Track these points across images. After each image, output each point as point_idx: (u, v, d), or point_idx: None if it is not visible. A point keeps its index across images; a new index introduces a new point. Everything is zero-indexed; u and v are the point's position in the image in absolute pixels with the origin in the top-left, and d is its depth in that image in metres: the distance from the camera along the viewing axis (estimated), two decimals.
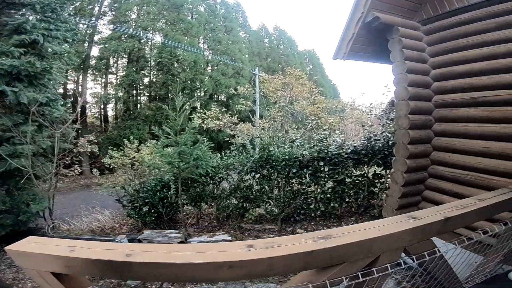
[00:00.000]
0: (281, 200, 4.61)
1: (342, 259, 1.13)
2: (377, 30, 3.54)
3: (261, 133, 6.54)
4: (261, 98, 10.43)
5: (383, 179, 4.76)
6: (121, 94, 16.72)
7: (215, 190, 4.77)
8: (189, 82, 16.60)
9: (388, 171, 4.57)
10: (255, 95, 13.35)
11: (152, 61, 17.34)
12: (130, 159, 5.79)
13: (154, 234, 4.25)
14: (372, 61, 4.39)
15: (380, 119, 5.26)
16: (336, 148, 4.36)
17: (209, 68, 19.11)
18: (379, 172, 4.79)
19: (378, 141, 4.42)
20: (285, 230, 4.70)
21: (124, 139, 6.51)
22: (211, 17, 19.27)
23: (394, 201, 3.57)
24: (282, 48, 25.31)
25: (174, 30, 16.97)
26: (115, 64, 17.59)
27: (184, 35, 16.90)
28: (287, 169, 4.38)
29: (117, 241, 3.93)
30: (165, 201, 4.62)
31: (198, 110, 7.97)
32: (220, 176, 4.51)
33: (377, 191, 4.92)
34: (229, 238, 4.20)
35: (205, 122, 7.33)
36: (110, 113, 19.18)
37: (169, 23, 17.43)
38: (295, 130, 6.86)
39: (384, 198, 4.53)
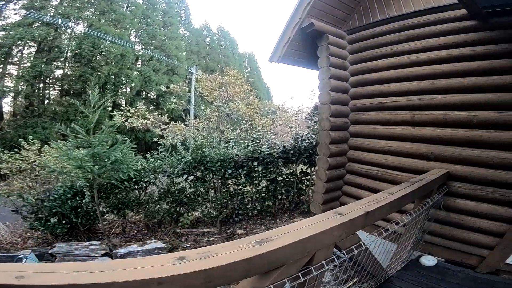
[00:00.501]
0: (218, 202, 4.50)
1: (282, 262, 1.12)
2: (310, 36, 3.77)
3: (194, 134, 6.28)
4: (196, 97, 10.09)
5: (309, 176, 5.16)
6: (23, 87, 13.75)
7: (142, 195, 4.33)
8: (112, 76, 14.85)
9: (312, 168, 4.97)
10: (190, 94, 12.85)
11: (69, 52, 14.85)
12: (28, 163, 4.74)
13: (70, 247, 3.59)
14: (304, 66, 4.60)
15: (306, 121, 5.68)
16: (268, 148, 4.50)
17: (139, 63, 17.51)
18: (305, 170, 5.17)
19: (304, 141, 4.76)
20: (225, 232, 4.62)
21: (21, 140, 5.31)
22: (149, 10, 17.75)
23: (320, 196, 3.87)
24: (224, 49, 25.16)
25: (102, 21, 14.96)
26: (19, 54, 14.41)
27: (113, 26, 15.07)
28: (222, 170, 4.30)
29: (20, 257, 3.16)
30: (79, 210, 3.93)
31: (123, 108, 7.09)
32: (146, 180, 4.10)
33: (304, 188, 5.30)
34: (164, 245, 3.85)
35: (129, 121, 6.61)
36: (8, 109, 15.59)
37: (98, 13, 15.28)
38: (231, 130, 6.87)
39: (311, 194, 4.90)
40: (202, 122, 6.91)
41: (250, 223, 4.95)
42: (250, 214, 4.83)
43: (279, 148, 4.64)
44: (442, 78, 2.86)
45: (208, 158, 4.10)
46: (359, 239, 1.77)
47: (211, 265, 0.90)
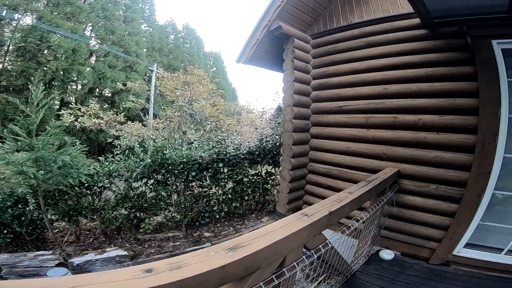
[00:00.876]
0: (182, 205, 4.32)
1: (256, 266, 1.11)
2: (278, 39, 3.82)
3: (154, 134, 5.95)
4: (156, 96, 9.60)
5: (274, 176, 5.23)
6: None
7: (96, 201, 3.96)
8: (61, 72, 13.44)
9: (277, 169, 5.05)
10: (149, 93, 12.19)
11: (11, 45, 13.04)
12: None
13: (17, 258, 3.17)
14: (270, 68, 4.68)
15: (270, 122, 5.75)
16: (233, 149, 4.45)
17: (93, 58, 16.10)
18: (270, 170, 5.23)
19: (268, 142, 4.81)
20: (191, 236, 4.45)
21: None
22: (109, 4, 16.33)
23: (285, 196, 3.95)
24: (188, 47, 24.30)
25: (55, 13, 13.38)
26: None
27: (67, 19, 13.58)
28: (185, 172, 4.12)
29: None
30: (23, 218, 3.46)
31: (73, 106, 6.43)
32: (100, 185, 3.76)
33: (269, 188, 5.37)
34: (125, 252, 3.58)
35: (80, 121, 6.02)
36: None
37: (51, 5, 13.63)
38: (194, 131, 6.66)
39: (276, 194, 4.97)
40: (163, 122, 6.57)
41: (218, 225, 4.86)
42: (217, 216, 4.74)
43: (245, 149, 4.62)
44: (393, 84, 3.09)
45: (169, 161, 3.90)
46: (325, 238, 1.84)
47: (184, 276, 0.84)
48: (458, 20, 2.58)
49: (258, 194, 5.20)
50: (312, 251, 1.59)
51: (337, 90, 3.65)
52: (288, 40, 3.80)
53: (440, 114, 2.74)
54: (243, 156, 4.48)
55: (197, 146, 4.61)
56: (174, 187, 4.36)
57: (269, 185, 5.36)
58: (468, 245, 2.73)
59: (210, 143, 4.71)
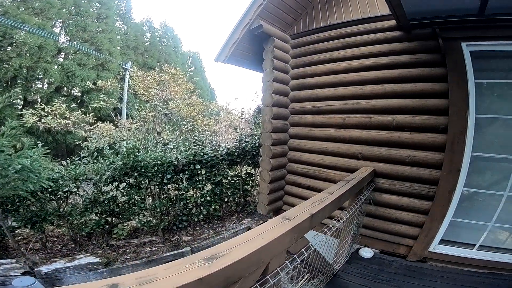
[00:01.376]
0: (158, 209, 4.11)
1: (238, 276, 1.03)
2: (258, 38, 3.77)
3: (126, 135, 5.63)
4: (130, 95, 9.17)
5: (253, 177, 5.16)
6: None
7: (62, 207, 3.66)
8: (25, 70, 12.48)
9: (256, 169, 4.99)
10: (122, 92, 11.64)
11: None
12: None
13: None
14: (249, 68, 4.63)
15: (249, 123, 5.68)
16: (211, 150, 4.31)
17: (62, 56, 15.10)
18: (249, 171, 5.16)
19: (247, 143, 4.74)
20: (169, 240, 4.26)
21: None
22: (83, 1, 15.35)
23: (265, 197, 3.89)
24: (165, 46, 23.56)
25: (22, 9, 12.35)
26: None
27: (35, 15, 12.59)
28: (160, 175, 3.93)
29: None
30: None
31: (38, 106, 5.93)
32: (66, 190, 3.47)
33: (250, 189, 5.29)
34: (97, 259, 3.35)
35: (44, 121, 5.56)
36: None
37: (19, 0, 12.55)
38: (170, 132, 6.40)
39: (256, 195, 4.90)
40: (136, 123, 6.25)
41: (197, 228, 4.70)
42: (196, 219, 4.58)
43: (223, 150, 4.50)
44: (369, 85, 3.15)
45: (142, 163, 3.68)
46: (307, 241, 1.79)
47: None
48: (432, 23, 2.67)
49: (238, 196, 5.11)
50: (295, 255, 1.54)
51: (315, 91, 3.66)
52: (268, 40, 3.77)
53: (413, 114, 2.82)
54: (221, 157, 4.36)
55: (172, 147, 4.41)
56: (148, 190, 4.15)
57: (249, 186, 5.29)
58: (442, 242, 2.83)
59: (187, 144, 4.53)
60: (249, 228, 4.46)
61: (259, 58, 3.99)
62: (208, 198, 4.64)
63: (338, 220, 1.98)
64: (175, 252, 3.84)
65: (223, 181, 4.64)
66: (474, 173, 2.60)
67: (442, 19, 2.60)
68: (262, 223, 1.67)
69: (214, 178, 4.40)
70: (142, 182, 3.95)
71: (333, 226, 1.90)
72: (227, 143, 5.45)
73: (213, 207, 4.73)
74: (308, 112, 3.71)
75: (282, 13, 3.78)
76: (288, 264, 1.40)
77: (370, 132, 3.09)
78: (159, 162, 3.78)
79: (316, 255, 2.00)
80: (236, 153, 4.52)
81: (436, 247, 2.81)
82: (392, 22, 2.96)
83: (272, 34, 3.71)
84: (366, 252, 2.97)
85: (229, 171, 4.80)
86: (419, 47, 2.84)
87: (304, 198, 2.98)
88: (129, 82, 11.37)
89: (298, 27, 3.96)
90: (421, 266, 2.78)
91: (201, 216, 4.63)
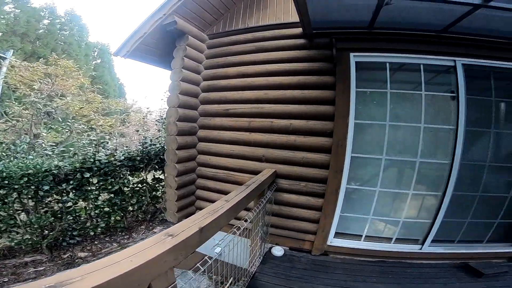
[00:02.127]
0: (36, 225, 3.32)
1: None
2: (170, 35, 3.50)
3: None
4: (5, 89, 7.25)
5: (163, 182, 4.79)
6: None
7: None
8: None
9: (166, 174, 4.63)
10: None
11: None
12: None
13: None
14: (157, 65, 4.31)
15: (156, 124, 5.24)
16: (106, 156, 3.74)
17: None
18: (158, 176, 4.76)
19: (154, 146, 4.34)
20: (60, 258, 3.59)
21: None
22: None
23: (173, 204, 3.61)
24: (67, 35, 19.69)
25: None
26: None
27: None
28: (33, 187, 3.17)
29: None
30: None
31: None
32: None
33: (160, 195, 4.88)
34: None
35: None
36: None
37: None
38: (56, 133, 5.28)
39: (164, 202, 4.54)
40: (5, 122, 4.92)
41: (96, 242, 4.05)
42: (93, 233, 3.95)
43: (123, 154, 3.97)
44: (273, 90, 3.27)
45: (4, 174, 2.89)
46: (202, 255, 1.65)
47: None
48: (330, 32, 2.90)
49: (145, 204, 4.64)
50: (190, 271, 1.40)
51: (224, 93, 3.60)
52: (182, 37, 3.54)
53: (306, 119, 3.07)
54: (119, 163, 3.84)
55: (51, 153, 3.64)
56: (19, 205, 3.32)
57: (159, 192, 4.88)
58: (337, 235, 3.14)
59: (71, 149, 3.82)
60: None
61: (168, 55, 3.71)
62: (106, 209, 4.04)
63: (246, 220, 1.95)
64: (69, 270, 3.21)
65: (123, 189, 4.11)
66: (353, 172, 3.00)
67: (338, 29, 2.85)
68: None
69: (110, 187, 3.84)
70: (8, 195, 3.12)
71: (236, 231, 1.84)
72: (126, 146, 4.86)
73: (113, 218, 4.17)
74: (217, 114, 3.62)
75: (203, 12, 3.61)
76: (180, 281, 1.26)
77: (272, 136, 3.22)
78: (30, 171, 3.04)
79: (225, 264, 1.92)
80: (138, 158, 4.06)
81: (332, 240, 3.11)
82: (300, 30, 3.11)
83: (187, 32, 3.51)
84: (277, 251, 3.08)
85: (131, 178, 4.30)
86: (318, 55, 3.06)
87: None
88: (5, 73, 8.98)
89: (218, 28, 3.84)
90: (324, 260, 3.01)
91: (99, 229, 4.02)
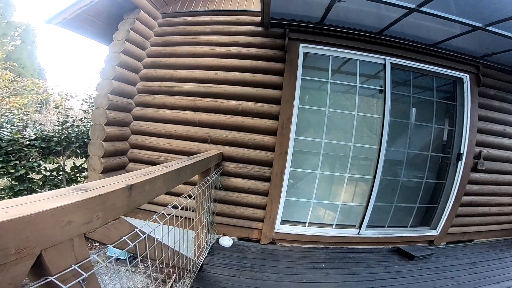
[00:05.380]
0: None
1: None
2: (120, 7, 3.27)
3: None
4: None
5: (86, 172, 4.09)
6: None
7: None
8: None
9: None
10: None
11: None
12: None
13: None
14: (94, 38, 3.90)
15: (82, 104, 4.44)
16: (9, 132, 2.99)
17: None
18: (79, 165, 4.04)
19: (75, 128, 3.68)
20: None
21: None
22: None
23: None
24: None
25: None
26: None
27: None
28: None
29: None
30: None
31: None
32: None
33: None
34: None
35: None
36: None
37: None
38: None
39: None
40: None
41: None
42: None
43: (35, 133, 3.25)
44: (224, 71, 3.17)
45: None
46: (131, 227, 1.26)
47: None
48: (285, 24, 3.05)
49: None
50: (111, 246, 1.04)
51: (170, 71, 3.34)
52: (133, 11, 3.31)
53: (255, 101, 3.05)
54: (28, 143, 3.12)
55: None
56: None
57: (81, 184, 4.14)
58: (283, 222, 3.13)
59: None
60: None
61: (110, 28, 3.40)
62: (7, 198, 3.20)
63: (176, 207, 1.53)
64: None
65: (31, 175, 3.33)
66: (297, 154, 3.08)
67: (293, 21, 3.02)
68: None
69: (13, 171, 3.07)
70: None
71: (178, 205, 1.50)
72: (40, 124, 4.03)
73: None
74: (159, 92, 3.31)
75: None
76: (97, 258, 0.92)
77: (219, 116, 3.09)
78: None
79: (170, 250, 1.63)
80: (55, 139, 3.38)
81: (279, 227, 3.10)
82: (258, 18, 3.21)
83: (139, 6, 3.30)
84: (225, 241, 2.93)
85: (43, 163, 3.53)
86: (271, 43, 3.15)
87: None
88: None
89: (175, 7, 3.67)
90: (273, 248, 2.98)
91: None
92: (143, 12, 3.35)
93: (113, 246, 1.05)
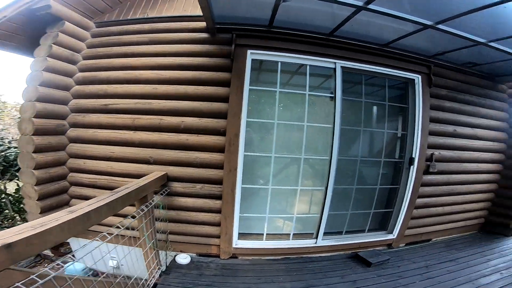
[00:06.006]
0: None
1: None
2: (41, 20, 2.91)
3: None
4: None
5: None
6: None
7: None
8: None
9: None
10: None
11: None
12: None
13: None
14: (16, 52, 3.57)
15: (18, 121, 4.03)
16: None
17: None
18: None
19: (14, 148, 3.36)
20: None
21: None
22: None
23: (36, 218, 2.82)
24: None
25: None
26: None
27: None
28: None
29: None
30: None
31: None
32: None
33: None
34: None
35: None
36: None
37: None
38: None
39: (26, 215, 3.61)
40: None
41: None
42: None
43: None
44: (163, 84, 2.91)
45: None
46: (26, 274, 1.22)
47: None
48: (232, 28, 2.76)
49: (8, 218, 3.61)
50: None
51: (105, 86, 3.04)
52: (56, 23, 2.95)
53: (200, 117, 2.84)
54: None
55: None
56: None
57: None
58: (241, 236, 3.05)
59: None
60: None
61: (36, 41, 2.99)
62: None
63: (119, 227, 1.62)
64: None
65: None
66: (247, 171, 2.94)
67: (241, 25, 2.74)
68: None
69: None
70: None
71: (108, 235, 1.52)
72: None
73: None
74: (93, 110, 3.02)
75: None
76: None
77: (160, 135, 2.87)
78: None
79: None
80: None
81: (237, 242, 3.01)
82: (203, 24, 2.90)
83: (64, 18, 2.95)
84: (182, 258, 2.83)
85: None
86: (217, 51, 2.88)
87: None
88: None
89: (111, 16, 3.30)
90: (234, 263, 2.90)
91: None
92: (69, 23, 2.99)
93: None
